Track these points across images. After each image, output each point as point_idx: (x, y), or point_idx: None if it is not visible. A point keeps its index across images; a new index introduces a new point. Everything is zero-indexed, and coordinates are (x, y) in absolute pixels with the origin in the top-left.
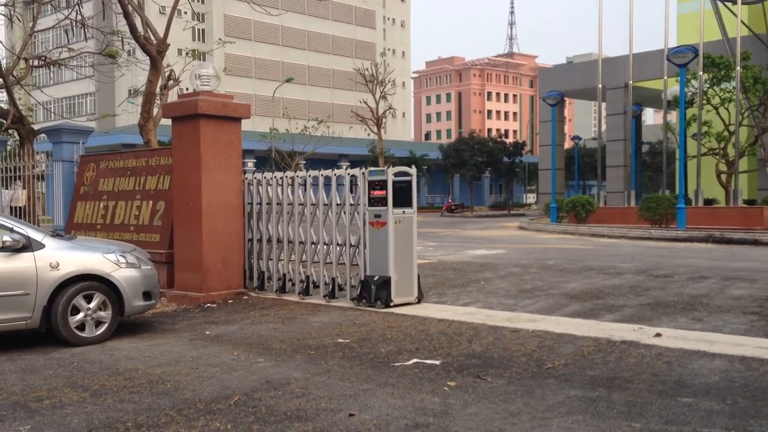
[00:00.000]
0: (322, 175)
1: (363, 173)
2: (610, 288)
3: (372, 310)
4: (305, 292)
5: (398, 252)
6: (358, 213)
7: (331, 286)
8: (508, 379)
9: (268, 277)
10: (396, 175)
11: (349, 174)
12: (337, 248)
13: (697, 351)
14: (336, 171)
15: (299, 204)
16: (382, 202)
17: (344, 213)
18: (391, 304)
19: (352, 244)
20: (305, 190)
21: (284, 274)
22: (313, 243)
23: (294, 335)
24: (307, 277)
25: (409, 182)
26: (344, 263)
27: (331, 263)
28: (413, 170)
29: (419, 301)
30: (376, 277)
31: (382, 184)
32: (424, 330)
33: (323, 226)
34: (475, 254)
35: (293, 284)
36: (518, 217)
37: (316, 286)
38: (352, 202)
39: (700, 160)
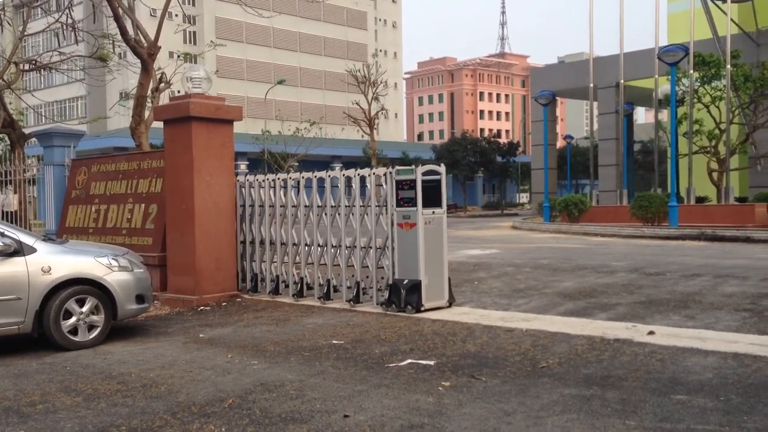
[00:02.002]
0: (343, 175)
1: (390, 172)
2: (604, 286)
3: (403, 315)
4: (326, 296)
5: (428, 254)
6: (383, 214)
7: (355, 291)
8: (502, 378)
9: (283, 281)
10: (424, 174)
11: (374, 174)
12: (360, 251)
13: (690, 348)
14: (358, 171)
15: (317, 206)
16: (411, 202)
17: (367, 215)
18: (422, 308)
19: (378, 246)
20: (323, 191)
21: (302, 278)
22: (333, 246)
23: (288, 337)
24: (328, 281)
25: (439, 181)
26: (368, 266)
27: (352, 266)
28: (442, 168)
29: (450, 305)
30: (405, 281)
31: (411, 184)
32: (418, 330)
33: (344, 227)
34: (469, 254)
35: (309, 288)
36: (511, 216)
37: (336, 290)
38: (378, 203)
39: (691, 159)
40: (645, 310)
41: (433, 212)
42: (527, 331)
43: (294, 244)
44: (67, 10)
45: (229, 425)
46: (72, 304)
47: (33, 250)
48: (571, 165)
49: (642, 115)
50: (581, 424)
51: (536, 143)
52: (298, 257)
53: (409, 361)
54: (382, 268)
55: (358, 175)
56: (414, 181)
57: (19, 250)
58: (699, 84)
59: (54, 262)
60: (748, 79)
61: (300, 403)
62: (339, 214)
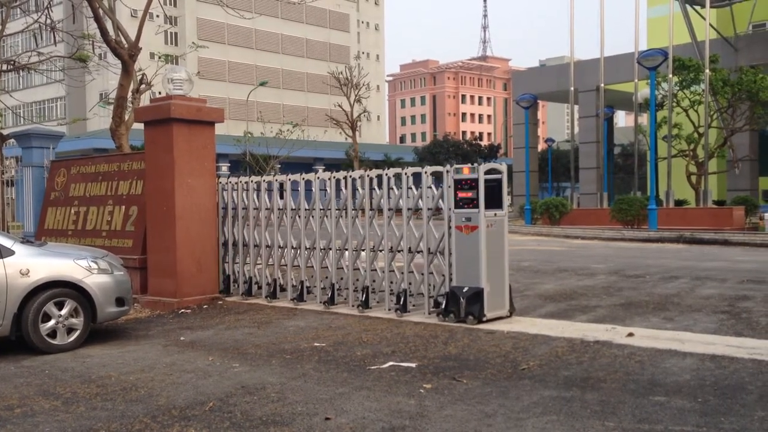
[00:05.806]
0: (396, 175)
1: (448, 171)
2: (584, 289)
3: (461, 326)
4: (364, 304)
5: (490, 260)
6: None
7: (402, 299)
8: (483, 380)
9: (308, 287)
10: (486, 173)
11: (429, 173)
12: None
13: (668, 350)
14: (407, 170)
15: (352, 209)
16: (473, 203)
17: (412, 217)
18: (484, 318)
19: (430, 250)
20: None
21: (333, 284)
22: (374, 250)
23: (270, 340)
24: (366, 288)
25: (500, 181)
26: (412, 271)
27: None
28: (504, 167)
29: (511, 314)
30: (465, 289)
31: (473, 183)
32: (399, 333)
33: (386, 228)
34: None
35: (339, 294)
36: None
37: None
38: (430, 206)
39: (670, 162)
40: (624, 312)
41: (495, 214)
42: (508, 333)
43: (322, 249)
44: (46, 11)
45: (210, 428)
46: (51, 307)
47: (11, 252)
48: (552, 168)
49: (622, 119)
50: (561, 426)
51: (518, 146)
52: (325, 261)
53: (391, 363)
54: (432, 273)
55: (408, 174)
56: (476, 180)
57: None
58: (678, 88)
59: (32, 264)
60: (726, 83)
61: (281, 406)
62: (370, 216)
